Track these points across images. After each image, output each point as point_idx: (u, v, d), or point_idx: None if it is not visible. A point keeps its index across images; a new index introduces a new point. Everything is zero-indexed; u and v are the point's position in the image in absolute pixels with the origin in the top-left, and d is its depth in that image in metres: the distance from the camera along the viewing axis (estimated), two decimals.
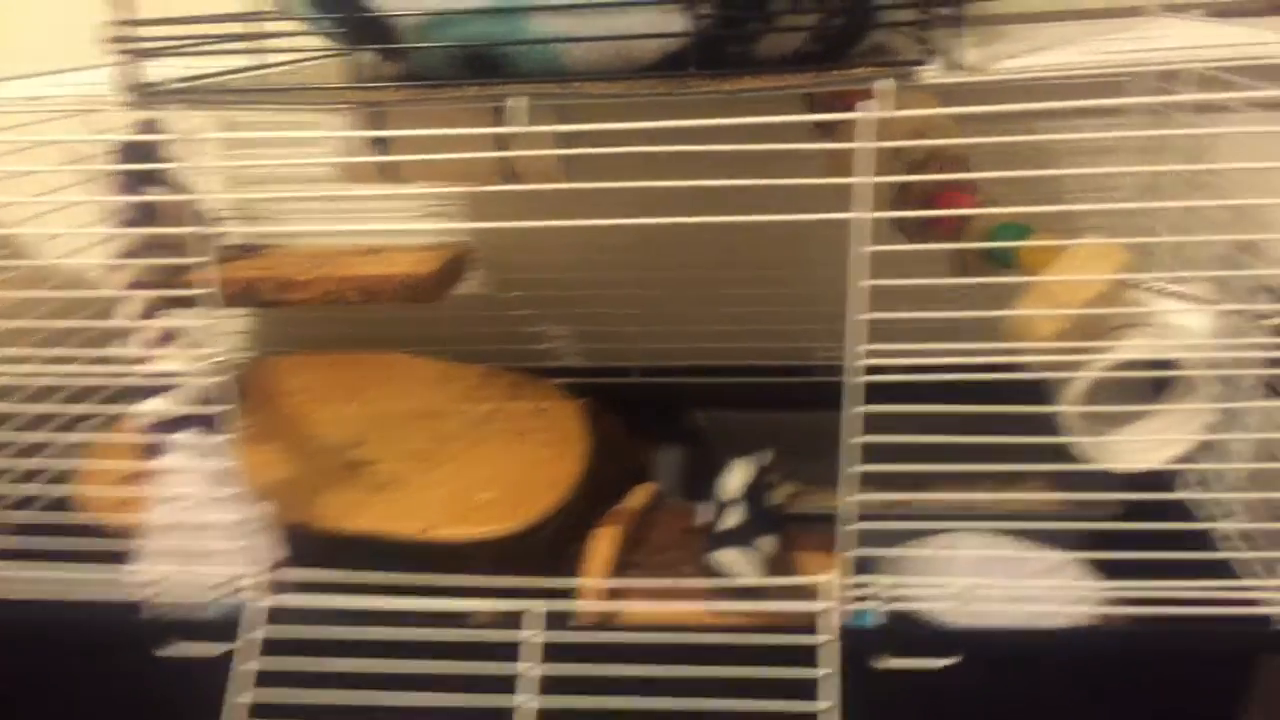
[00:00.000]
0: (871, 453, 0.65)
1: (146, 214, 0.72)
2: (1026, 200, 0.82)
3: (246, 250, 1.03)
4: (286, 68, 0.80)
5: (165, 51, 0.67)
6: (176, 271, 0.75)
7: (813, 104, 0.92)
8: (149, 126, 0.70)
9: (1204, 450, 0.80)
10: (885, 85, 0.62)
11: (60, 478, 0.80)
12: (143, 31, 0.66)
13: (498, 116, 0.81)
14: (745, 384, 1.06)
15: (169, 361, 0.69)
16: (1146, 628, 0.66)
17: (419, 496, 0.80)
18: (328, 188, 0.99)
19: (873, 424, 0.65)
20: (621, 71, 0.67)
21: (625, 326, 1.09)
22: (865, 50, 0.73)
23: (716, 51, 0.66)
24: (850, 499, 0.65)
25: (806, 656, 0.65)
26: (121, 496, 0.76)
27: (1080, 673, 0.69)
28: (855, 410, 0.64)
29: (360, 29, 0.67)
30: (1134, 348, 0.77)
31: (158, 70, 0.68)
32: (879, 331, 0.65)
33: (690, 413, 1.05)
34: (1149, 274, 0.74)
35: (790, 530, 0.83)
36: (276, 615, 0.71)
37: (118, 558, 0.73)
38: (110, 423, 0.82)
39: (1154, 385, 0.87)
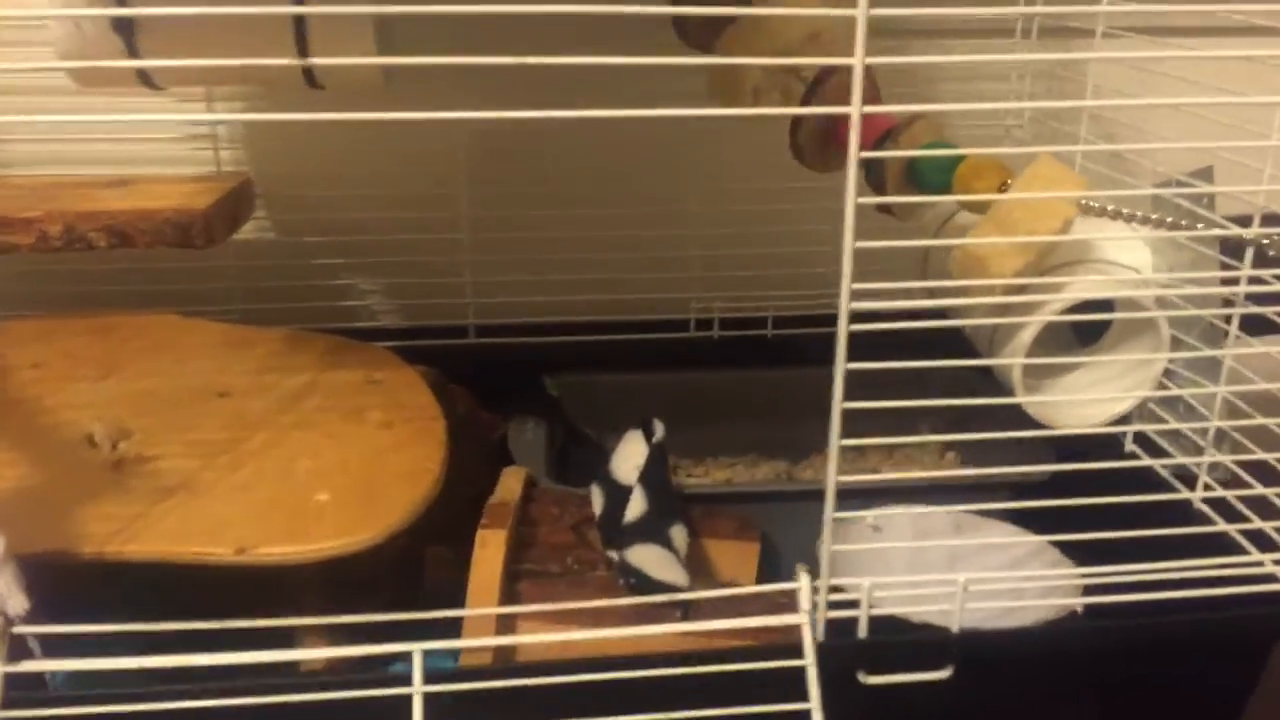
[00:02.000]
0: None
1: None
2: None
3: None
4: None
5: None
6: None
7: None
8: None
9: (1162, 404, 0.71)
10: None
11: None
12: None
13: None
14: (603, 342, 0.90)
15: None
16: (1152, 619, 0.56)
17: (224, 504, 0.58)
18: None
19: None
20: None
21: (457, 277, 0.90)
22: None
23: None
24: (834, 479, 0.50)
25: (786, 681, 0.50)
26: None
27: (1077, 669, 0.58)
28: (844, 367, 0.49)
29: None
30: (1091, 285, 0.67)
31: None
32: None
33: (542, 378, 0.88)
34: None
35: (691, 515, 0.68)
36: (19, 689, 0.48)
37: None
38: None
39: (1078, 332, 0.78)
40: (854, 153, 0.46)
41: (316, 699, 0.48)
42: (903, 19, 0.84)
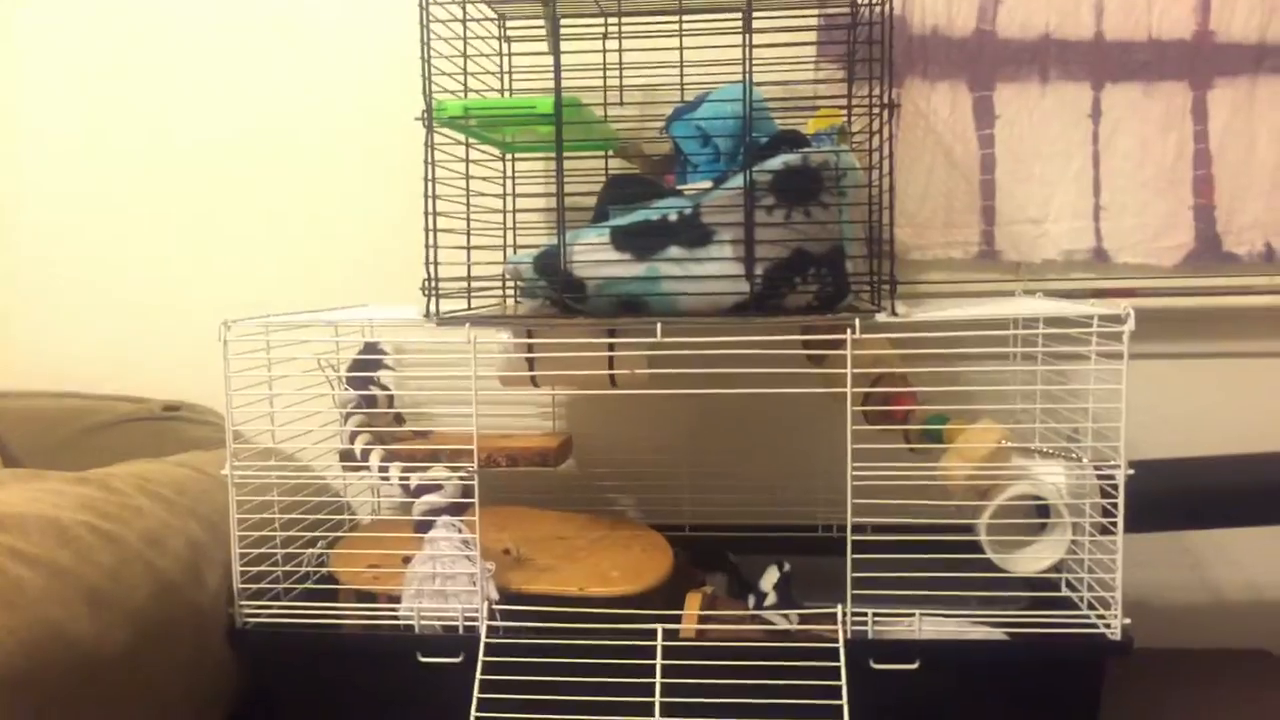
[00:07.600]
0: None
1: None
2: (943, 400, 1.34)
3: (419, 433, 1.51)
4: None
5: (452, 294, 1.19)
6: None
7: (807, 343, 1.46)
8: (372, 347, 1.23)
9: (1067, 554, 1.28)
10: (856, 324, 1.13)
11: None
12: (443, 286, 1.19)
13: (611, 346, 1.34)
14: (763, 537, 1.53)
15: (438, 473, 1.16)
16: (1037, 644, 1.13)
17: (569, 573, 1.24)
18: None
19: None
20: (710, 311, 1.18)
21: (678, 494, 1.56)
22: (845, 306, 1.26)
23: (763, 302, 1.18)
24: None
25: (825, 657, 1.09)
26: (374, 571, 1.20)
27: (987, 675, 1.13)
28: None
29: (564, 284, 1.19)
30: (1015, 490, 1.26)
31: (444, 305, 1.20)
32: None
33: (725, 556, 1.51)
34: (1027, 444, 1.24)
35: None
36: (495, 635, 1.14)
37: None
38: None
39: (1038, 517, 1.36)
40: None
41: (612, 644, 1.11)
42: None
